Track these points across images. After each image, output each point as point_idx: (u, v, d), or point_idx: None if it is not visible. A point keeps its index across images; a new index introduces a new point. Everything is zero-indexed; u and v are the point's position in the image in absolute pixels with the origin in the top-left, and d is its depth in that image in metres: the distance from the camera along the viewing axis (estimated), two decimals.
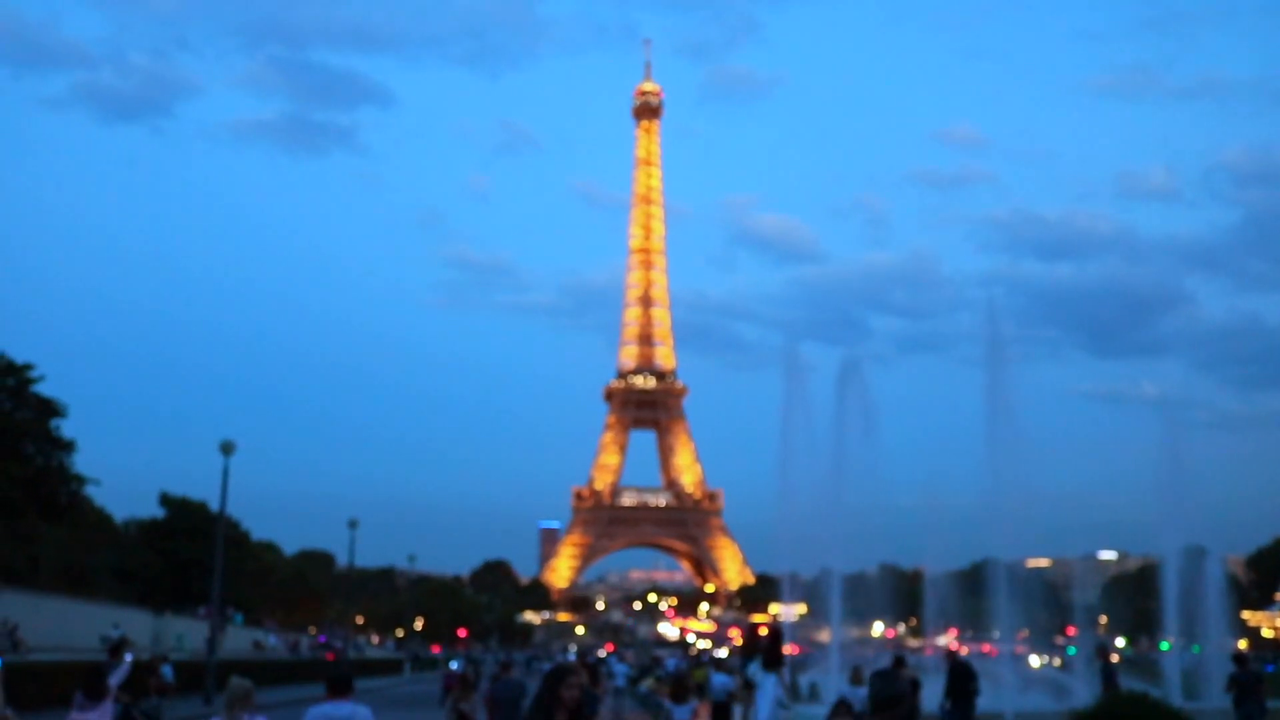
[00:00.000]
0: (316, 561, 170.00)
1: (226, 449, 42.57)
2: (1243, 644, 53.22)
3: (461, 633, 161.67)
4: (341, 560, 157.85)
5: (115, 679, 17.93)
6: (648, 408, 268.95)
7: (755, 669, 20.72)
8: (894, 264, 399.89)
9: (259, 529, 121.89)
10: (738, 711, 26.41)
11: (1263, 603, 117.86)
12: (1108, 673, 29.32)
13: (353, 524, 68.68)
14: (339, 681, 11.49)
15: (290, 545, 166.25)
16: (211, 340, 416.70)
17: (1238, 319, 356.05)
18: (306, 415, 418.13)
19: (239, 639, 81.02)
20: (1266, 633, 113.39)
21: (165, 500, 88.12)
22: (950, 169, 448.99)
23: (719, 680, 27.36)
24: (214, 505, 69.71)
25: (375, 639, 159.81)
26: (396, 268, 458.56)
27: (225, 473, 42.92)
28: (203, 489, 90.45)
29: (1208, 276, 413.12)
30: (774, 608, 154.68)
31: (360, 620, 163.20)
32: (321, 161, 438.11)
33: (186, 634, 66.66)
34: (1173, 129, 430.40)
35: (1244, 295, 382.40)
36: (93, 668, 18.27)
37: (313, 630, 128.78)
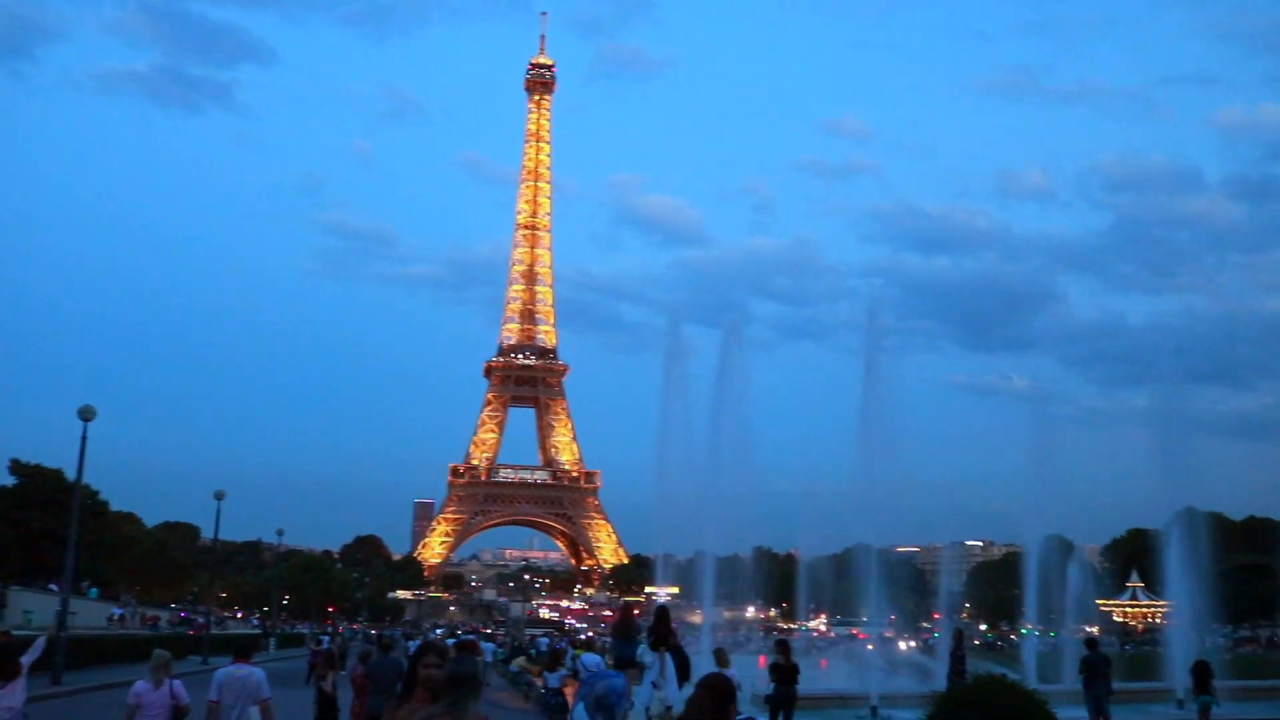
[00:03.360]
0: (180, 534, 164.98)
1: (85, 414, 40.61)
2: (1095, 629, 55.20)
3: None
4: (206, 533, 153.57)
5: (28, 658, 16.73)
6: (528, 385, 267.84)
7: (644, 650, 20.75)
8: (777, 250, 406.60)
9: (119, 500, 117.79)
10: None
11: (1116, 590, 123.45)
12: (956, 656, 30.25)
13: (219, 495, 66.43)
14: (242, 649, 14.93)
15: (152, 517, 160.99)
16: (72, 304, 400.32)
17: (1104, 318, 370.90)
18: (172, 384, 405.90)
19: (94, 614, 77.97)
20: (1118, 618, 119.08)
21: (16, 467, 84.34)
22: (836, 159, 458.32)
23: (589, 660, 27.60)
24: (70, 473, 66.89)
25: (239, 614, 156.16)
26: (272, 233, 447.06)
27: (83, 439, 40.99)
28: (58, 458, 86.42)
29: (1078, 276, 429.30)
30: (648, 588, 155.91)
31: (224, 595, 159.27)
32: (196, 119, 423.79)
33: (35, 609, 63.85)
34: (1050, 131, 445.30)
35: (1111, 295, 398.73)
36: (4, 644, 17.07)
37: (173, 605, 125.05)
